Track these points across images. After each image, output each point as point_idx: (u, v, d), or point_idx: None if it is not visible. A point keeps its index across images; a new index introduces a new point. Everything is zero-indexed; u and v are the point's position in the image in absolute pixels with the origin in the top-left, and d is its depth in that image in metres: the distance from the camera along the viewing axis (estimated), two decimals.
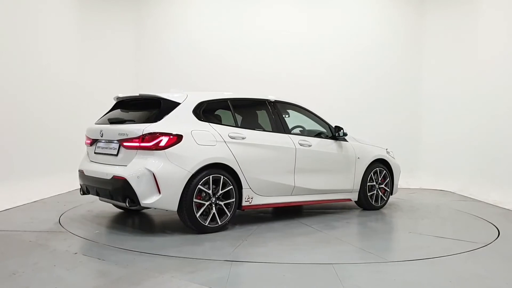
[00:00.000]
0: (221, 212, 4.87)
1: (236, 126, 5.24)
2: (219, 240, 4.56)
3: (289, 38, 10.20)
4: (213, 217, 4.80)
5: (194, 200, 4.63)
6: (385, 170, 6.58)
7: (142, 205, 4.54)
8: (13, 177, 6.79)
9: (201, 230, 4.75)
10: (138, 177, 4.47)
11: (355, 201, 6.43)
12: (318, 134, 6.08)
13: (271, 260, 3.88)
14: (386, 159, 6.62)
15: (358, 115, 10.04)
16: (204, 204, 4.71)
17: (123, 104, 5.50)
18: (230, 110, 5.33)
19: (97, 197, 5.29)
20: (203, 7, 10.39)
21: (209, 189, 4.73)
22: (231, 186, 4.90)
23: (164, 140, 4.54)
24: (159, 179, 4.45)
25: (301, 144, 5.64)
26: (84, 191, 5.35)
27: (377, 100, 10.16)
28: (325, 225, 5.43)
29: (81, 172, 5.34)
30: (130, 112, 5.28)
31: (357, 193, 6.32)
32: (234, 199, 4.93)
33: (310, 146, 5.74)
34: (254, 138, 5.26)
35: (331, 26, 10.23)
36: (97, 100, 9.48)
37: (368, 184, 6.35)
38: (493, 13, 8.46)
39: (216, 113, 5.34)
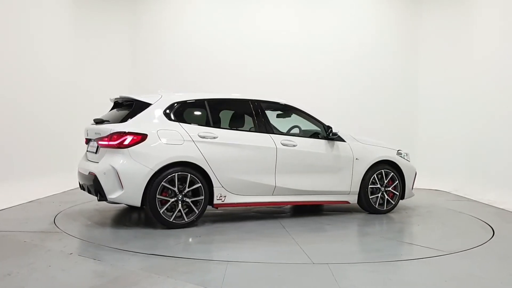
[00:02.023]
0: (192, 209, 5.07)
1: (211, 125, 5.35)
2: (173, 236, 4.71)
3: (286, 38, 10.23)
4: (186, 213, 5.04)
5: (158, 196, 4.85)
6: (393, 172, 6.21)
7: (108, 199, 4.86)
8: (8, 177, 6.77)
9: (167, 225, 4.96)
10: (104, 173, 4.82)
11: (359, 205, 6.19)
12: (314, 134, 6.01)
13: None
14: (394, 160, 6.24)
15: (354, 114, 10.10)
16: (169, 200, 4.92)
17: (117, 105, 5.73)
18: (206, 110, 5.46)
19: (90, 197, 5.38)
20: (200, 7, 10.39)
21: (174, 186, 4.92)
22: (200, 184, 5.03)
23: (128, 139, 4.83)
24: (121, 175, 4.76)
25: (283, 144, 5.57)
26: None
27: (373, 100, 10.20)
28: (302, 227, 5.34)
29: (78, 169, 5.62)
30: (116, 113, 5.50)
31: (356, 195, 6.06)
32: (203, 197, 5.07)
33: (294, 146, 5.64)
34: (227, 138, 5.32)
35: (328, 26, 10.27)
36: (93, 100, 9.47)
37: (370, 186, 6.07)
38: (488, 13, 8.49)
39: (190, 113, 5.45)
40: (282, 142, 5.59)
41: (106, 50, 10.06)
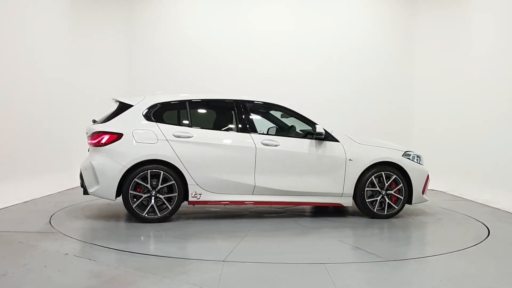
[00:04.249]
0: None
1: (189, 125, 5.56)
2: (137, 229, 5.04)
3: (283, 37, 10.25)
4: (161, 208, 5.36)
5: (131, 191, 5.21)
6: (396, 175, 5.79)
7: (89, 193, 5.34)
8: (3, 177, 6.73)
9: (140, 219, 5.29)
10: (85, 169, 5.36)
11: (359, 208, 5.90)
12: (308, 134, 5.84)
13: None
14: (397, 162, 5.83)
15: (350, 113, 10.15)
16: (141, 196, 5.25)
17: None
18: (186, 110, 5.67)
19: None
20: (197, 6, 10.38)
21: (147, 183, 5.24)
22: (173, 181, 5.28)
23: (105, 138, 5.26)
24: (97, 171, 5.22)
25: (265, 144, 5.55)
26: None
27: (369, 99, 10.25)
28: (275, 227, 5.34)
29: None
30: (108, 113, 5.73)
31: (350, 198, 5.79)
32: (176, 194, 5.31)
33: (276, 146, 5.58)
34: (203, 137, 5.47)
35: (324, 26, 10.29)
36: (89, 100, 9.45)
37: (370, 189, 5.76)
38: (483, 12, 8.52)
39: (170, 113, 5.68)
40: (262, 141, 5.57)
41: (103, 50, 10.03)
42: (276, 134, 5.90)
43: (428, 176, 6.07)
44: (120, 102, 5.65)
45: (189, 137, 5.41)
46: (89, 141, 5.40)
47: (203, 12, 10.32)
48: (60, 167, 8.51)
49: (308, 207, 6.64)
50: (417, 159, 6.07)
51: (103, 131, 5.29)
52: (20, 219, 5.42)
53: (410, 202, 5.94)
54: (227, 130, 5.68)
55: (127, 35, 10.39)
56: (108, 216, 5.76)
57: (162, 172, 5.26)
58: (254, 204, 5.69)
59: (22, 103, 7.45)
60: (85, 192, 5.42)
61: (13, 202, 6.38)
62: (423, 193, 6.01)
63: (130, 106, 5.53)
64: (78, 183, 6.35)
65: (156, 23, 10.41)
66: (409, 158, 5.98)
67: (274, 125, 6.20)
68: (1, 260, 3.75)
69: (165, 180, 5.29)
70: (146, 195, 5.26)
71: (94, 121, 5.64)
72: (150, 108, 5.53)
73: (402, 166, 5.87)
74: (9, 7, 7.15)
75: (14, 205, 6.29)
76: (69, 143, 9.01)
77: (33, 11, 7.87)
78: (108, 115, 5.60)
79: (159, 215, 5.29)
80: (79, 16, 9.49)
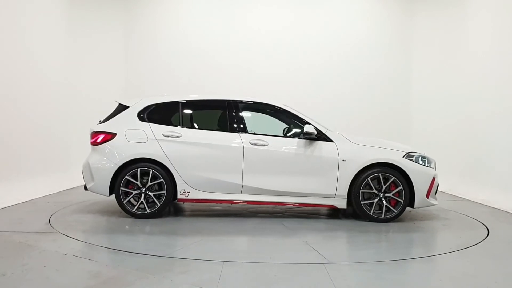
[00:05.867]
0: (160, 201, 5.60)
1: (180, 125, 5.76)
2: (118, 224, 5.31)
3: (281, 37, 10.28)
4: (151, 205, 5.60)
5: (122, 188, 5.49)
6: (396, 177, 5.54)
7: (88, 189, 5.68)
8: (2, 177, 6.72)
9: (130, 215, 5.56)
10: (84, 166, 5.73)
11: (355, 211, 5.68)
12: (304, 133, 5.70)
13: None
14: (396, 164, 5.57)
15: (349, 113, 10.18)
16: (132, 192, 5.52)
17: None
18: (178, 111, 5.89)
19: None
20: (195, 6, 10.39)
21: (137, 180, 5.50)
22: (162, 179, 5.50)
23: (101, 137, 5.63)
24: (92, 168, 5.58)
25: (253, 144, 5.58)
26: None
27: (366, 99, 10.29)
28: (255, 227, 5.35)
29: None
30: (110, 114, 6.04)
31: (344, 200, 5.60)
32: (165, 191, 5.53)
33: (265, 145, 5.59)
34: (191, 137, 5.66)
35: (322, 26, 10.33)
36: (88, 100, 9.44)
37: (367, 191, 5.57)
38: (480, 13, 8.53)
39: (162, 114, 5.88)
40: (251, 141, 5.60)
41: (101, 50, 10.02)
42: (267, 134, 5.76)
43: (434, 178, 5.70)
44: (119, 104, 5.96)
45: (177, 136, 5.62)
46: (90, 140, 5.74)
47: (202, 12, 10.32)
48: (59, 167, 8.50)
49: (323, 209, 6.52)
50: (422, 161, 5.72)
51: (99, 131, 5.65)
52: (19, 219, 5.41)
53: (412, 206, 5.67)
54: (217, 130, 5.79)
55: (125, 35, 10.39)
56: (107, 215, 5.76)
57: (151, 170, 5.50)
58: (246, 203, 5.73)
59: (21, 104, 7.43)
60: (85, 188, 5.75)
61: (12, 202, 6.37)
62: (427, 196, 5.66)
63: (127, 107, 5.82)
64: (77, 183, 6.48)
65: (154, 23, 10.43)
66: (411, 159, 5.66)
67: (267, 125, 6.16)
68: (0, 260, 3.74)
69: (154, 177, 5.52)
70: (136, 192, 5.52)
71: (100, 121, 5.92)
72: (144, 109, 5.79)
73: (402, 167, 5.58)
74: (8, 7, 7.13)
75: (13, 205, 6.28)
76: (68, 143, 9.00)
77: (31, 11, 7.85)
78: (108, 115, 5.90)
79: (148, 211, 5.53)
80: (77, 16, 9.47)
